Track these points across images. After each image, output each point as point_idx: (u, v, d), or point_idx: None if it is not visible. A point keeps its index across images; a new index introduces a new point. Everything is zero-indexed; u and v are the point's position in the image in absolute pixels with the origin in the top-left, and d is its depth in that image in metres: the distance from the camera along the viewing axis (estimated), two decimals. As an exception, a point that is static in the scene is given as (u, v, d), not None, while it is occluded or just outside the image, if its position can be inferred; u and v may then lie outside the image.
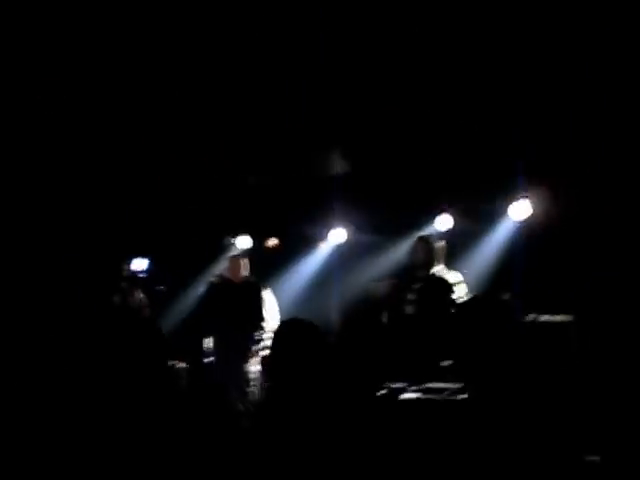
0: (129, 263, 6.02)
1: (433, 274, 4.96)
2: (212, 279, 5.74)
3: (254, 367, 5.34)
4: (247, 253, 6.39)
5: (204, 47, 4.66)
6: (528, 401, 1.95)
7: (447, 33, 4.56)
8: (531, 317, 4.73)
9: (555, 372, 4.09)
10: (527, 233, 5.76)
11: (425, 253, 5.02)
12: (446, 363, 4.23)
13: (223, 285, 5.64)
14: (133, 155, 5.77)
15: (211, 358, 5.74)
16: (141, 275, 6.03)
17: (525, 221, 5.72)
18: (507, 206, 5.78)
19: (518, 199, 5.66)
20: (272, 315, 5.62)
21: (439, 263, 5.09)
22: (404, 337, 4.63)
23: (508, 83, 4.88)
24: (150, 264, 6.15)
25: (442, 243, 5.30)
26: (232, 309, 5.49)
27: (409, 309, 4.86)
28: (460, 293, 4.81)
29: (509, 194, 5.75)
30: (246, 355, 5.37)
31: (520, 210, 5.69)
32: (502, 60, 4.64)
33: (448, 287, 4.71)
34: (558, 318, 4.55)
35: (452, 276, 4.98)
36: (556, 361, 4.26)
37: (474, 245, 6.11)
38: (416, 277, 4.92)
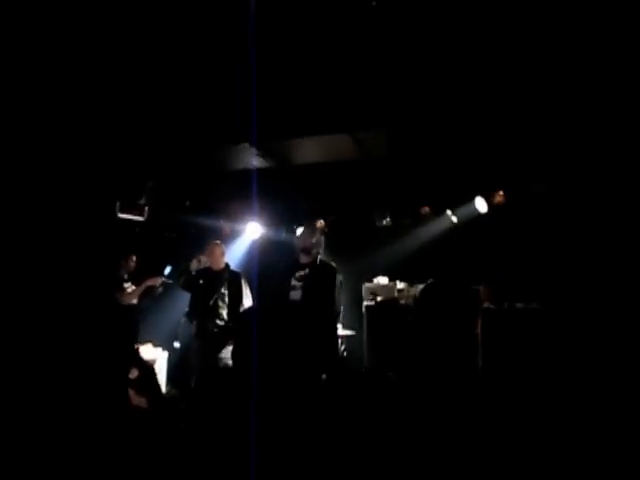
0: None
1: (319, 260, 4.94)
2: (190, 265, 5.67)
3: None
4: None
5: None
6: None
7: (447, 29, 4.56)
8: (506, 305, 4.92)
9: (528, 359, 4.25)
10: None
11: (312, 239, 4.96)
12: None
13: (203, 271, 5.61)
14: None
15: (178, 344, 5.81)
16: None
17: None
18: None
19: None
20: (248, 302, 5.61)
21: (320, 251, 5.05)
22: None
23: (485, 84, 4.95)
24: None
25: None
26: (212, 295, 5.47)
27: (295, 294, 4.84)
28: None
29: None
30: (223, 341, 5.35)
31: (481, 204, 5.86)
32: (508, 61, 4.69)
33: (334, 272, 4.80)
34: (533, 305, 4.74)
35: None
36: (528, 348, 4.42)
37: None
38: (300, 263, 4.93)
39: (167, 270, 6.10)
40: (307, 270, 4.83)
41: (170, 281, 5.97)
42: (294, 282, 4.84)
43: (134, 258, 6.08)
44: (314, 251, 4.91)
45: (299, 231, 5.23)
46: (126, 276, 6.00)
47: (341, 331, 6.61)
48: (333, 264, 4.90)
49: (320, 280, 4.77)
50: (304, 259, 4.91)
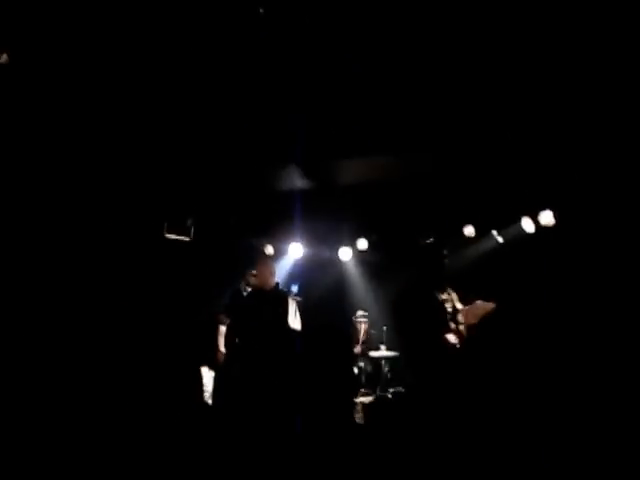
0: None
1: None
2: (241, 285, 5.75)
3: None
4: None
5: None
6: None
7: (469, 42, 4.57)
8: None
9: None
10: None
11: None
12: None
13: (254, 293, 5.67)
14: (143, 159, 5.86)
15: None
16: None
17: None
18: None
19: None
20: (296, 322, 5.65)
21: None
22: None
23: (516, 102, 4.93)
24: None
25: None
26: (262, 315, 5.51)
27: None
28: None
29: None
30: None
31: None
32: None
33: None
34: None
35: None
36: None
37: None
38: None
39: None
40: None
41: None
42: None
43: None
44: None
45: None
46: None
47: (385, 352, 6.72)
48: None
49: None
50: None
